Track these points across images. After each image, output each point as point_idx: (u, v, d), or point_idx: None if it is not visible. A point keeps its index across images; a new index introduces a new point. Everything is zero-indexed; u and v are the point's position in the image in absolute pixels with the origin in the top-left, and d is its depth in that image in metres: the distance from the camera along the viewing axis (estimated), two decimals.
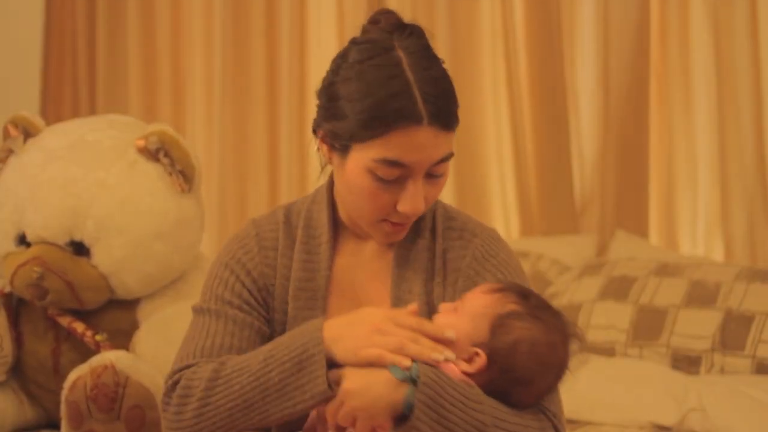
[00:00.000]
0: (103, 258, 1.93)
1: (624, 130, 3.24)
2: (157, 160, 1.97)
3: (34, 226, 1.93)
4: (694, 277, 2.66)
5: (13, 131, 2.04)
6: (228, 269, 1.41)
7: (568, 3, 3.30)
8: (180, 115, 3.89)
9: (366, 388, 1.20)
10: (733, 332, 2.50)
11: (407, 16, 1.35)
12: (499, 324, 1.27)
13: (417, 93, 1.30)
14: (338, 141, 1.33)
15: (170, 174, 1.97)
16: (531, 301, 1.32)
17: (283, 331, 1.37)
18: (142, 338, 1.92)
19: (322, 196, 1.45)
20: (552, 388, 1.34)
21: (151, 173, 1.97)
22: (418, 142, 1.29)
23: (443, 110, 1.31)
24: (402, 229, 1.38)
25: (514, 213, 3.43)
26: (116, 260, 1.93)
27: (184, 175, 1.97)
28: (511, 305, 1.29)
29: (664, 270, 2.74)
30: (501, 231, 3.02)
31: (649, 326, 2.61)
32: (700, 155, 3.10)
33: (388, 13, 1.40)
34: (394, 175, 1.31)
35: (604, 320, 2.69)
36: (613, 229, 3.23)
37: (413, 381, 1.19)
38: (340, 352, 1.24)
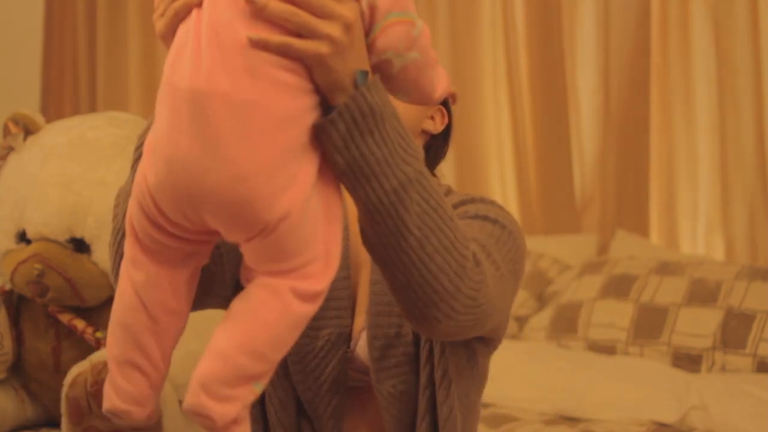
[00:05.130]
0: (103, 255, 1.93)
1: (624, 129, 3.24)
2: None
3: (34, 223, 1.93)
4: (695, 276, 2.67)
5: (13, 128, 2.03)
6: None
7: (568, 2, 3.30)
8: None
9: None
10: (734, 331, 2.50)
11: None
12: None
13: None
14: None
15: None
16: None
17: None
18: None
19: None
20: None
21: None
22: None
23: None
24: None
25: (515, 212, 3.43)
26: None
27: None
28: None
29: (665, 269, 2.74)
30: None
31: (649, 325, 2.61)
32: (700, 154, 3.10)
33: None
34: None
35: (605, 319, 2.69)
36: (613, 228, 3.23)
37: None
38: None
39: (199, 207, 0.97)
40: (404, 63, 1.03)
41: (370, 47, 1.01)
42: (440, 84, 1.09)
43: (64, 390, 1.77)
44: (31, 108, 2.22)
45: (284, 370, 1.28)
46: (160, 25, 1.02)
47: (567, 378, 2.46)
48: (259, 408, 1.31)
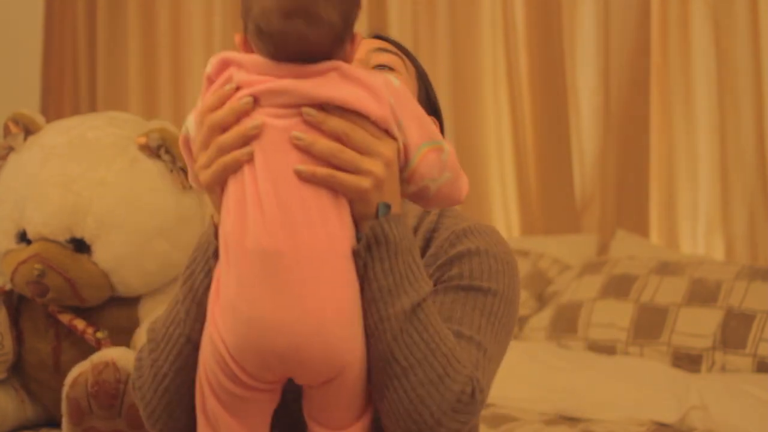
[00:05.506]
0: (103, 255, 1.93)
1: (624, 129, 3.24)
2: (157, 157, 1.97)
3: (34, 223, 1.93)
4: (695, 276, 2.67)
5: (13, 128, 2.03)
6: None
7: (568, 2, 3.30)
8: (180, 112, 3.89)
9: None
10: (734, 331, 2.50)
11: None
12: None
13: None
14: None
15: (171, 171, 1.96)
16: None
17: None
18: (143, 336, 1.91)
19: None
20: None
21: (152, 170, 1.97)
22: None
23: None
24: None
25: (515, 212, 3.43)
26: (117, 257, 1.93)
27: (185, 172, 1.96)
28: None
29: (665, 269, 2.74)
30: (502, 230, 3.03)
31: (649, 325, 2.61)
32: (700, 154, 3.10)
33: None
34: None
35: (604, 319, 2.69)
36: (613, 228, 3.24)
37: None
38: None
39: (286, 362, 1.02)
40: (439, 185, 1.12)
41: (409, 179, 1.10)
42: (465, 186, 1.16)
43: (65, 390, 1.77)
44: (31, 108, 2.22)
45: None
46: (205, 176, 1.07)
47: (567, 378, 2.46)
48: None
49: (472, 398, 1.09)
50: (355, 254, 1.05)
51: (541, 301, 3.01)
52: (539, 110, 3.38)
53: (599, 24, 3.24)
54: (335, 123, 1.03)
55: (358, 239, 1.06)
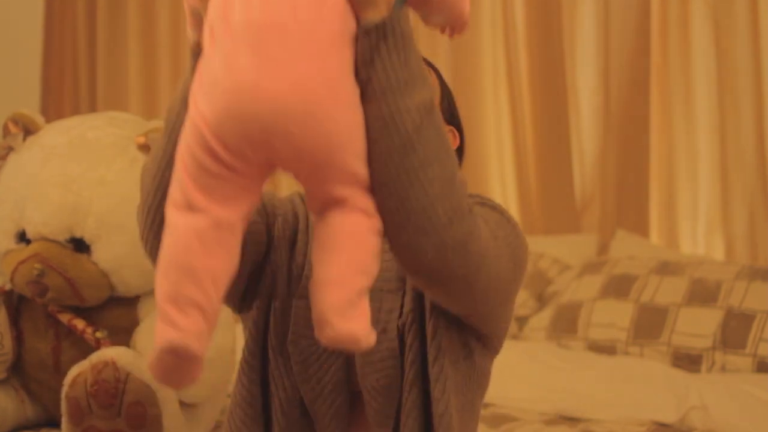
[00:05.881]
0: (103, 255, 1.93)
1: (624, 129, 3.24)
2: None
3: (34, 223, 1.93)
4: (695, 276, 2.66)
5: (13, 128, 2.03)
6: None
7: (568, 2, 3.30)
8: None
9: None
10: (734, 331, 2.50)
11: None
12: None
13: None
14: None
15: None
16: None
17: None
18: (143, 335, 1.92)
19: None
20: None
21: None
22: None
23: None
24: None
25: (515, 212, 3.43)
26: (116, 257, 1.93)
27: None
28: None
29: (665, 268, 2.74)
30: None
31: (649, 325, 2.61)
32: (700, 154, 3.10)
33: None
34: None
35: (604, 319, 2.69)
36: (613, 228, 3.23)
37: None
38: None
39: (268, 131, 0.99)
40: None
41: None
42: (468, 2, 1.14)
43: (65, 390, 1.77)
44: (31, 108, 2.22)
45: (288, 371, 1.28)
46: None
47: (567, 378, 2.45)
48: (260, 409, 1.30)
49: (470, 213, 1.09)
50: (366, 35, 1.04)
51: (541, 301, 3.01)
52: (539, 110, 3.38)
53: (599, 24, 3.24)
54: None
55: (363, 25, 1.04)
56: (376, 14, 1.04)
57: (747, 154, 3.00)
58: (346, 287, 1.02)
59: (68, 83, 4.08)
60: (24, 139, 2.04)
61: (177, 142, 1.06)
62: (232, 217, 1.03)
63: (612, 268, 2.84)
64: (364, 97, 1.05)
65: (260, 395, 1.30)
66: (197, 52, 1.08)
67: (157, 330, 1.01)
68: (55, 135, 2.02)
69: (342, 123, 1.02)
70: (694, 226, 3.14)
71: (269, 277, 1.28)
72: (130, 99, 3.97)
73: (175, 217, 1.03)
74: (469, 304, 1.19)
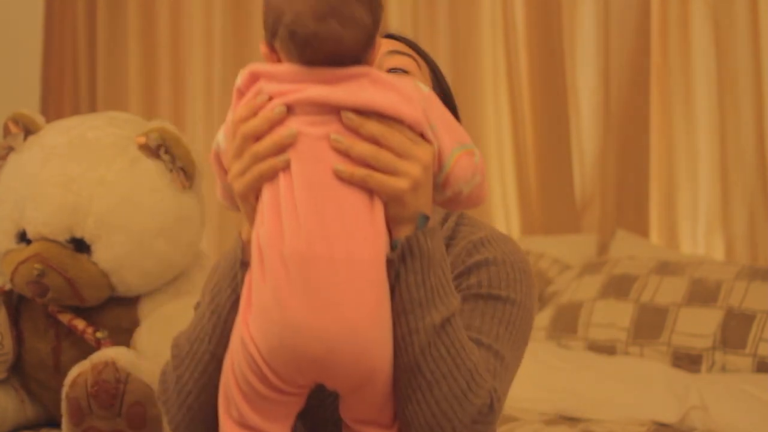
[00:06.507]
0: (103, 255, 1.92)
1: (624, 129, 3.24)
2: (157, 157, 1.97)
3: (34, 223, 1.93)
4: (695, 276, 2.66)
5: (13, 128, 2.03)
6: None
7: (568, 2, 3.30)
8: (180, 112, 3.89)
9: None
10: (734, 331, 2.50)
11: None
12: None
13: None
14: None
15: (171, 171, 1.96)
16: None
17: None
18: (143, 335, 1.92)
19: None
20: None
21: (152, 170, 1.97)
22: None
23: None
24: None
25: (515, 212, 3.43)
26: (117, 257, 1.93)
27: (184, 172, 1.96)
28: None
29: (665, 268, 2.74)
30: (502, 230, 3.02)
31: (650, 325, 2.61)
32: (700, 154, 3.10)
33: None
34: None
35: (605, 319, 2.69)
36: (613, 228, 3.23)
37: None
38: None
39: (319, 366, 1.03)
40: (471, 188, 1.12)
41: (444, 184, 1.11)
42: (488, 187, 1.18)
43: (65, 390, 1.77)
44: (31, 108, 2.22)
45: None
46: (240, 184, 1.08)
47: (567, 378, 2.46)
48: None
49: (491, 410, 1.11)
50: (389, 262, 1.06)
51: (541, 301, 3.01)
52: (539, 110, 3.38)
53: (599, 24, 3.24)
54: (373, 126, 1.04)
55: (392, 246, 1.07)
56: (408, 232, 1.08)
57: (747, 154, 3.00)
58: None
59: (68, 83, 4.08)
60: (24, 139, 2.03)
61: (221, 337, 1.13)
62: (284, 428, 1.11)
63: (612, 268, 2.84)
64: None
65: None
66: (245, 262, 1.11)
67: None
68: (55, 135, 2.01)
69: (387, 352, 1.07)
70: (694, 226, 3.14)
71: None
72: (130, 99, 3.97)
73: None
74: None
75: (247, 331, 1.05)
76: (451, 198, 1.12)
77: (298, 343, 1.02)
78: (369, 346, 1.04)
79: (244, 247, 1.14)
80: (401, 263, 1.07)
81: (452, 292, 1.11)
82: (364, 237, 1.03)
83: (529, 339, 1.26)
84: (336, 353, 1.02)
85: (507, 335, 1.20)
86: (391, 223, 1.07)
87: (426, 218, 1.09)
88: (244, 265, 1.12)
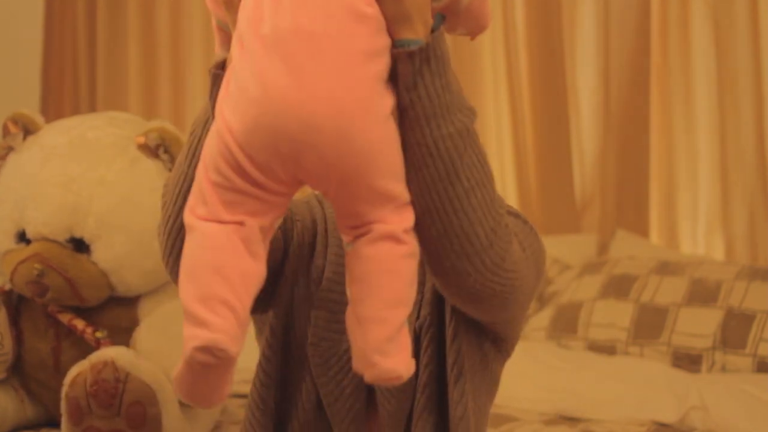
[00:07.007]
0: (103, 255, 1.93)
1: (624, 129, 3.24)
2: (157, 156, 1.97)
3: (34, 223, 1.93)
4: (695, 276, 2.66)
5: (13, 128, 2.03)
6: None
7: (568, 2, 3.30)
8: (180, 112, 3.89)
9: None
10: (734, 331, 2.50)
11: None
12: None
13: None
14: None
15: (170, 171, 1.97)
16: None
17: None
18: (143, 335, 1.92)
19: None
20: None
21: (152, 170, 1.97)
22: None
23: None
24: None
25: None
26: (117, 257, 1.93)
27: None
28: None
29: (665, 268, 2.74)
30: None
31: (650, 325, 2.61)
32: (700, 154, 3.10)
33: None
34: None
35: (604, 319, 2.69)
36: (613, 228, 3.23)
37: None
38: None
39: (296, 144, 0.96)
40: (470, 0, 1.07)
41: None
42: (489, 10, 1.13)
43: (64, 390, 1.77)
44: (31, 108, 2.22)
45: (307, 374, 1.27)
46: None
47: (567, 378, 2.45)
48: (275, 412, 1.29)
49: (507, 228, 1.09)
50: (409, 58, 1.01)
51: (541, 301, 3.01)
52: (539, 110, 3.38)
53: (599, 24, 3.24)
54: None
55: (399, 45, 1.02)
56: (411, 33, 1.02)
57: (747, 154, 2.99)
58: (386, 324, 1.00)
59: (68, 83, 4.08)
60: (24, 139, 2.04)
61: (195, 156, 1.05)
62: (258, 226, 1.01)
63: (612, 268, 2.83)
64: (405, 123, 1.03)
65: (276, 399, 1.29)
66: (218, 73, 1.06)
67: (186, 336, 0.96)
68: (55, 135, 2.02)
69: (373, 140, 0.99)
70: (694, 226, 3.14)
71: (288, 282, 1.26)
72: (130, 99, 3.97)
73: (198, 223, 1.01)
74: (500, 314, 1.19)
75: (222, 119, 0.99)
76: (449, 6, 1.07)
77: (276, 122, 0.95)
78: (353, 129, 0.97)
79: (214, 67, 1.08)
80: (425, 65, 1.02)
81: (467, 101, 1.08)
82: (351, 18, 0.98)
83: (541, 276, 1.25)
84: (315, 130, 0.96)
85: (525, 240, 1.19)
86: (390, 21, 1.01)
87: (442, 17, 1.04)
88: (216, 77, 1.07)
